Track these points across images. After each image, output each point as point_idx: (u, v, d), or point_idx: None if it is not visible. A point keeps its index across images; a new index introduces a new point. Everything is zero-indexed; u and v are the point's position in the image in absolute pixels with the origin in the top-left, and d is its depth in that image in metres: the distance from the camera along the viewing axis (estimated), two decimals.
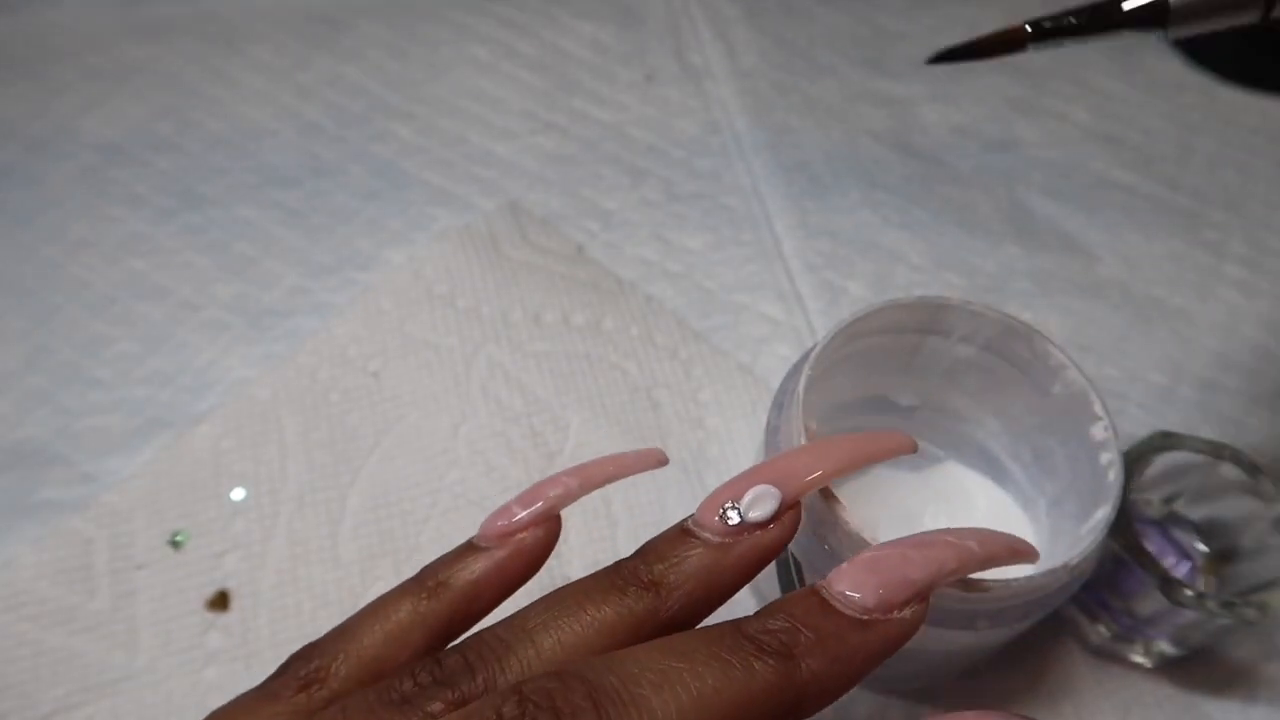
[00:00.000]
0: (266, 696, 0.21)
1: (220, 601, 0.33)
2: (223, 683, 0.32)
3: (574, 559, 0.35)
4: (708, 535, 0.22)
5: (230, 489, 0.35)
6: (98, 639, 0.32)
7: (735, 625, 0.20)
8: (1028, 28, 0.20)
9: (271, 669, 0.32)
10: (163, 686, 0.32)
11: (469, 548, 0.24)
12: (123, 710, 0.31)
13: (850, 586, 0.20)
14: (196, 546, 0.34)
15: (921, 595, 0.21)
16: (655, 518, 0.36)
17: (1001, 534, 0.23)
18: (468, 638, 0.21)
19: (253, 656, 0.32)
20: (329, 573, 0.34)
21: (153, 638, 0.32)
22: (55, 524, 0.34)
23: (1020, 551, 0.23)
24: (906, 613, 0.20)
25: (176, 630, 0.33)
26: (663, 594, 0.21)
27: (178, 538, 0.34)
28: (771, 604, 0.21)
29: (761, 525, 0.22)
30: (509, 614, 0.25)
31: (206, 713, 0.31)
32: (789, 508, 0.23)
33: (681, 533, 0.23)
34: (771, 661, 0.19)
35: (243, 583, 0.34)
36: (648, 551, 0.22)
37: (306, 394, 0.38)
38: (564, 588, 0.22)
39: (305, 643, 0.32)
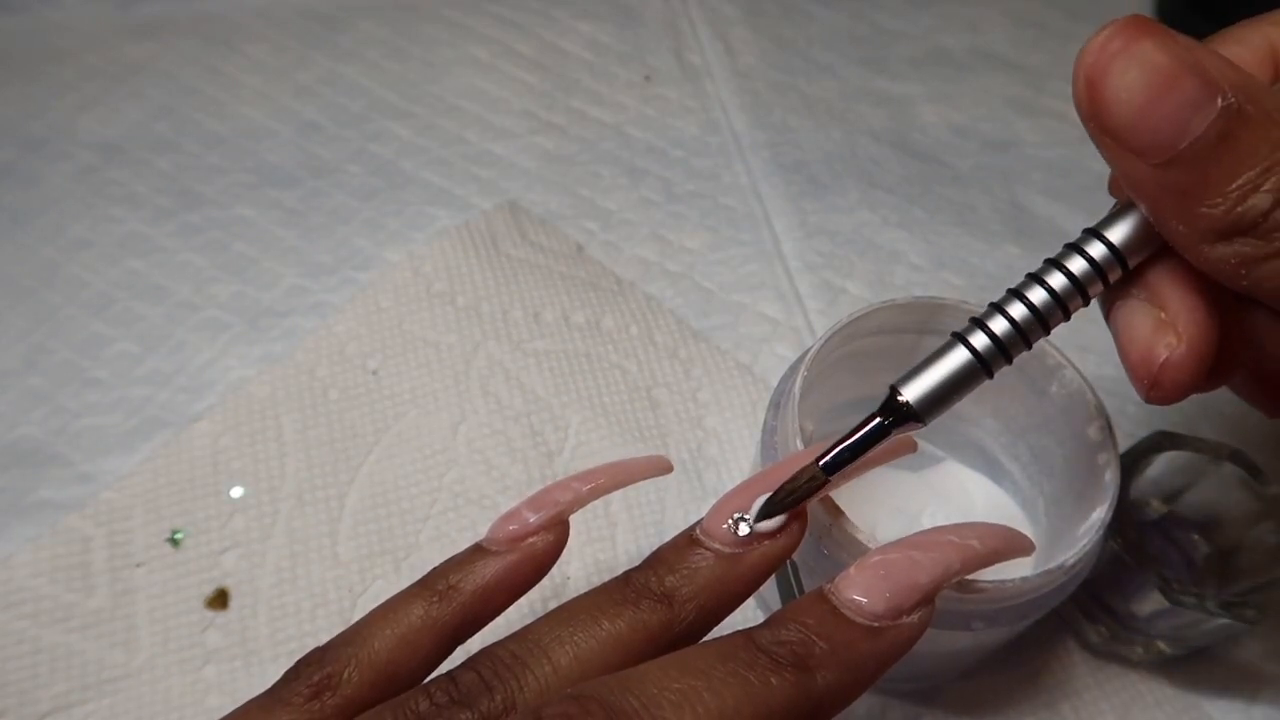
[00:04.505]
0: (277, 702, 0.21)
1: (219, 600, 0.33)
2: (222, 681, 0.32)
3: (573, 559, 0.35)
4: (717, 546, 0.22)
5: (229, 487, 0.35)
6: (96, 637, 0.32)
7: (748, 637, 0.20)
8: (818, 462, 0.23)
9: (270, 667, 0.32)
10: (161, 685, 0.31)
11: (478, 550, 0.24)
12: (121, 708, 0.31)
13: (859, 592, 0.20)
14: (195, 544, 0.34)
15: (928, 598, 0.21)
16: (654, 518, 0.36)
17: (999, 527, 0.23)
18: (480, 653, 0.21)
19: (251, 655, 0.32)
20: (328, 571, 0.34)
21: (151, 636, 0.32)
22: (53, 524, 0.34)
23: (1019, 544, 0.23)
24: (914, 617, 0.21)
25: (175, 628, 0.32)
26: (676, 607, 0.21)
27: (176, 536, 0.34)
28: (782, 612, 0.21)
29: (770, 535, 0.22)
30: (510, 618, 0.25)
31: (205, 711, 0.32)
32: (796, 516, 0.23)
33: (690, 542, 0.23)
34: (789, 675, 0.19)
35: (241, 581, 0.34)
36: (657, 562, 0.22)
37: (305, 392, 0.38)
38: (574, 600, 0.22)
39: (304, 641, 0.33)
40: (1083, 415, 0.29)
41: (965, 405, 0.34)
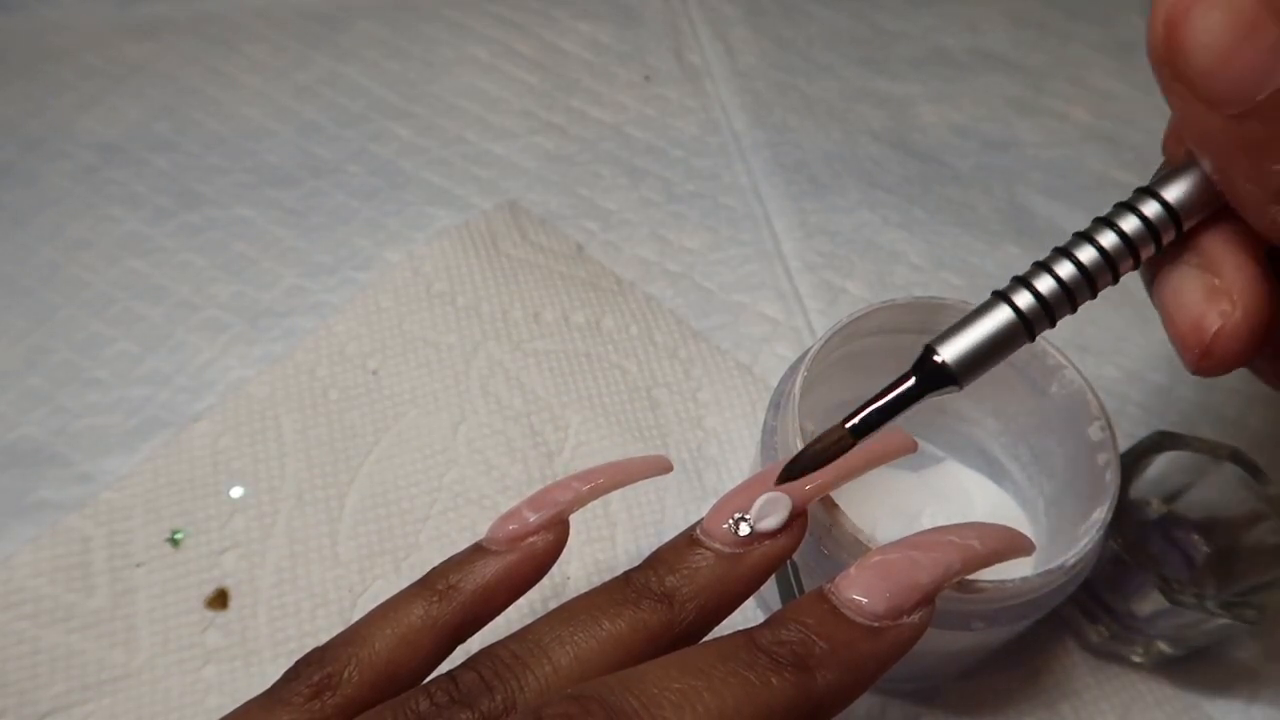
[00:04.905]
0: (277, 702, 0.21)
1: (219, 600, 0.33)
2: (222, 681, 0.32)
3: (573, 559, 0.35)
4: (718, 546, 0.22)
5: (229, 487, 0.35)
6: (96, 637, 0.32)
7: (748, 637, 0.20)
8: (848, 428, 0.21)
9: (270, 667, 0.32)
10: (161, 685, 0.31)
11: (478, 550, 0.24)
12: (121, 708, 0.31)
13: (860, 592, 0.20)
14: (195, 544, 0.34)
15: (928, 598, 0.21)
16: (654, 518, 0.36)
17: (999, 527, 0.23)
18: (480, 653, 0.21)
19: (251, 655, 0.32)
20: (328, 571, 0.34)
21: (151, 636, 0.32)
22: (53, 524, 0.34)
23: (1019, 545, 0.23)
24: (915, 617, 0.21)
25: (175, 628, 0.32)
26: (676, 607, 0.21)
27: (176, 536, 0.34)
28: (782, 612, 0.21)
29: (770, 535, 0.22)
30: (510, 618, 0.25)
31: (205, 711, 0.32)
32: (796, 516, 0.23)
33: (690, 542, 0.23)
34: (789, 675, 0.19)
35: (241, 581, 0.34)
36: (657, 562, 0.22)
37: (305, 392, 0.38)
38: (574, 600, 0.22)
39: (304, 641, 0.33)
40: (1083, 415, 0.29)
41: (965, 405, 0.34)
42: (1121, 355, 0.42)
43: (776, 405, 0.29)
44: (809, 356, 0.28)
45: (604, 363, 0.40)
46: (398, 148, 0.47)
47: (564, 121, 0.49)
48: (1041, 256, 0.22)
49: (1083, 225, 0.21)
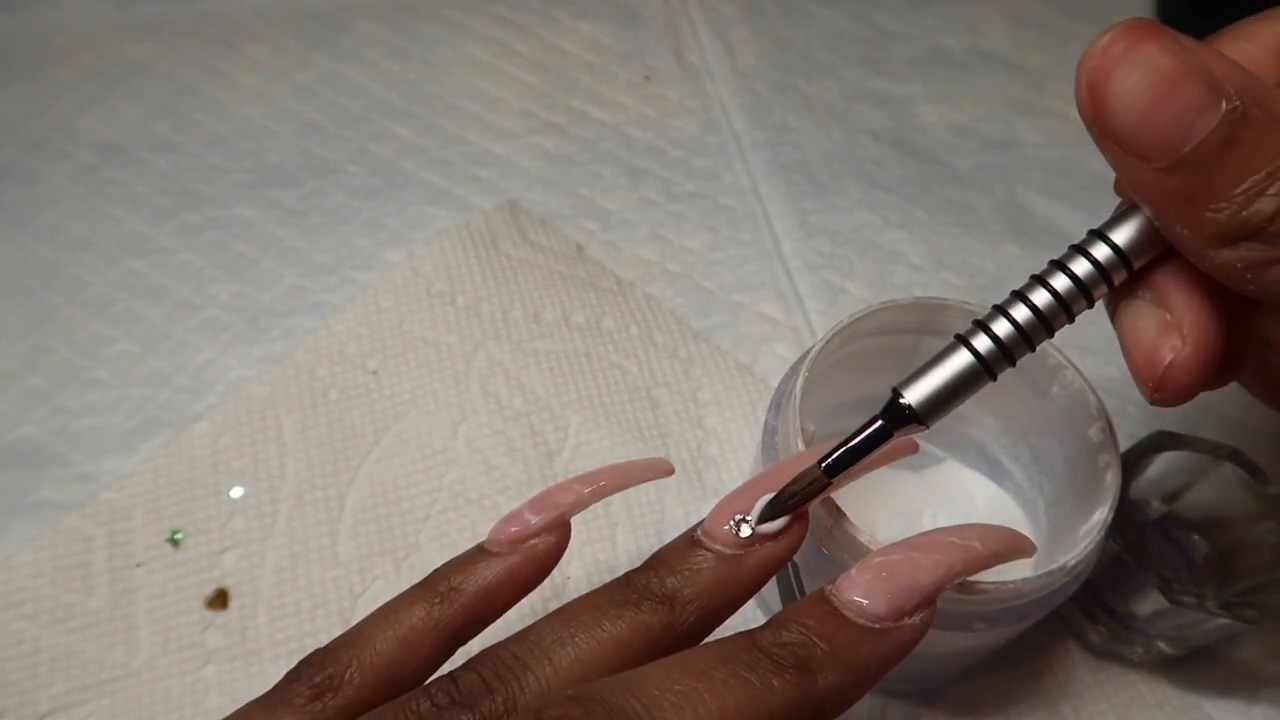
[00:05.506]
0: (279, 703, 0.21)
1: (219, 600, 0.33)
2: (222, 681, 0.32)
3: (573, 559, 0.35)
4: (719, 547, 0.22)
5: (229, 487, 0.35)
6: (96, 637, 0.32)
7: (749, 638, 0.20)
8: (821, 464, 0.23)
9: (270, 667, 0.32)
10: (161, 685, 0.31)
11: (480, 552, 0.24)
12: (121, 708, 0.31)
13: (861, 593, 0.20)
14: (195, 544, 0.34)
15: (929, 600, 0.21)
16: (654, 518, 0.36)
17: (1000, 528, 0.23)
18: (481, 654, 0.21)
19: (251, 655, 0.32)
20: (328, 571, 0.34)
21: (151, 636, 0.32)
22: (53, 524, 0.34)
23: (1020, 545, 0.23)
24: (916, 618, 0.21)
25: (175, 628, 0.32)
26: (677, 608, 0.21)
27: (176, 536, 0.34)
28: (783, 613, 0.21)
29: (772, 536, 0.22)
30: (511, 619, 0.25)
31: (205, 711, 0.32)
32: (797, 517, 0.23)
33: (691, 543, 0.23)
34: (790, 676, 0.19)
35: (241, 581, 0.34)
36: (659, 563, 0.22)
37: (305, 392, 0.38)
38: (575, 601, 0.22)
39: (304, 641, 0.33)
40: (1084, 416, 0.29)
41: (966, 406, 0.34)
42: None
43: (777, 405, 0.29)
44: (810, 357, 0.28)
45: (604, 363, 0.40)
46: (398, 148, 0.47)
47: (564, 121, 0.49)
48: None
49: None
